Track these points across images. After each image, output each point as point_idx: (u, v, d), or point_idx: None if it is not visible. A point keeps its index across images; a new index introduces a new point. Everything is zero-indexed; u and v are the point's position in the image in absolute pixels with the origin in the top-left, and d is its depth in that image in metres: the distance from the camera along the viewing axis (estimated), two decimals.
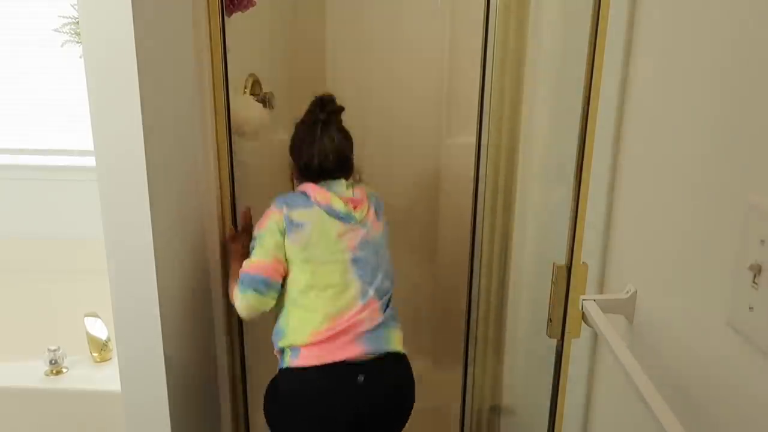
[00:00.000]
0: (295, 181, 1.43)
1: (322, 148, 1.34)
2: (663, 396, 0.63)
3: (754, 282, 0.54)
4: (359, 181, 1.46)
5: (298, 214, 1.30)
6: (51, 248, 2.14)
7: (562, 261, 0.98)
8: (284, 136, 2.11)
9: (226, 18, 1.32)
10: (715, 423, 0.62)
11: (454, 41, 1.99)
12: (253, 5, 1.46)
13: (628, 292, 0.84)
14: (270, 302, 1.29)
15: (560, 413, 1.07)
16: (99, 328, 1.53)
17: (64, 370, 1.45)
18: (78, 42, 1.94)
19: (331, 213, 1.30)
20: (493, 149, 1.37)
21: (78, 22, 1.75)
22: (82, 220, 2.09)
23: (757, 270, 0.54)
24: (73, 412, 1.42)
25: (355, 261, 1.31)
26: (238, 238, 1.43)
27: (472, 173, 1.39)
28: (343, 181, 1.36)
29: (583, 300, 0.85)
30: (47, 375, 1.43)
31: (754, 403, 0.56)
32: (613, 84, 0.89)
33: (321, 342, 1.25)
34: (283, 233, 1.29)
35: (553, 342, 1.03)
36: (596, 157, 0.92)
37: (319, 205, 1.31)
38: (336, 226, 1.30)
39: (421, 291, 2.24)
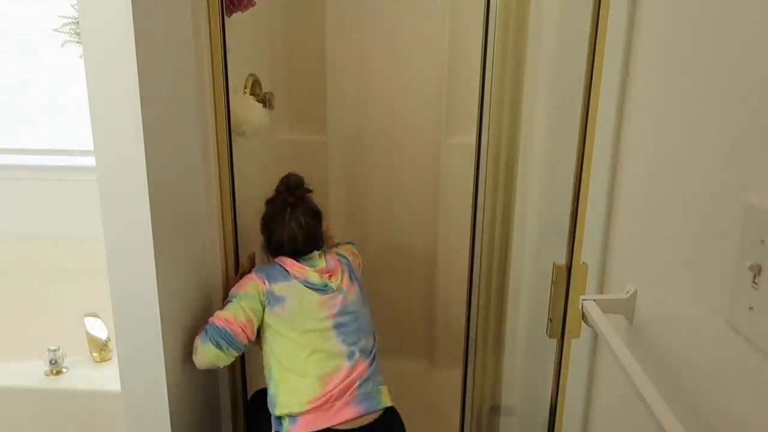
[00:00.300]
0: (268, 255, 1.48)
1: (290, 232, 1.40)
2: (663, 396, 0.63)
3: (754, 282, 0.54)
4: (331, 246, 1.54)
5: (278, 288, 1.36)
6: (51, 248, 2.14)
7: (562, 261, 0.98)
8: (284, 136, 2.12)
9: (226, 18, 1.32)
10: (715, 423, 0.62)
11: (454, 41, 1.99)
12: (253, 5, 1.46)
13: (628, 292, 0.84)
14: (227, 360, 1.30)
15: (560, 413, 1.07)
16: (99, 328, 1.53)
17: (64, 370, 1.45)
18: (78, 42, 1.94)
19: (309, 285, 1.36)
20: (493, 149, 1.37)
21: (78, 22, 1.75)
22: (82, 220, 2.09)
23: (757, 270, 0.54)
24: (73, 412, 1.42)
25: (336, 326, 1.36)
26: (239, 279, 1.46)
27: (471, 173, 1.39)
28: (315, 253, 1.43)
29: (583, 300, 0.85)
30: (47, 375, 1.43)
31: (754, 403, 0.56)
32: (613, 84, 0.89)
33: (317, 408, 1.28)
34: (263, 303, 1.35)
35: (553, 342, 1.03)
36: (596, 157, 0.92)
37: (297, 279, 1.36)
38: (315, 296, 1.37)
39: (420, 291, 2.24)
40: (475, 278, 1.45)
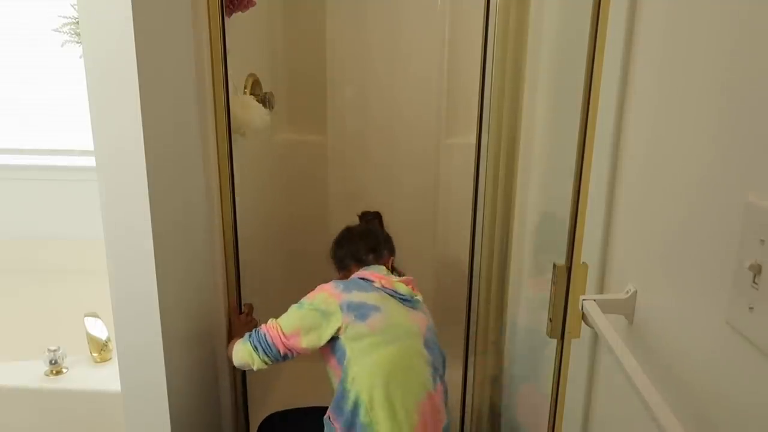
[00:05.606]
0: (340, 272, 1.50)
1: (357, 233, 1.52)
2: (663, 396, 0.63)
3: (754, 282, 0.54)
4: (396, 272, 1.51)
5: (360, 297, 1.29)
6: (51, 248, 2.14)
7: (562, 261, 0.98)
8: (284, 136, 2.12)
9: (226, 18, 1.32)
10: (715, 423, 0.62)
11: (454, 41, 1.99)
12: (253, 5, 1.46)
13: (628, 292, 0.84)
14: (261, 364, 1.31)
15: (560, 413, 1.07)
16: (99, 328, 1.53)
17: (64, 370, 1.45)
18: (78, 42, 1.94)
19: (395, 296, 1.33)
20: (493, 149, 1.37)
21: (78, 22, 1.75)
22: (82, 220, 2.09)
23: (757, 270, 0.54)
24: (73, 412, 1.42)
25: (425, 343, 1.33)
26: (242, 318, 1.49)
27: (471, 173, 1.39)
28: (383, 267, 1.42)
29: (583, 300, 0.85)
30: (47, 375, 1.43)
31: (753, 404, 0.56)
32: (613, 84, 0.89)
33: None
34: (331, 319, 1.26)
35: (553, 342, 1.02)
36: (596, 157, 0.92)
37: (385, 290, 1.33)
38: (403, 309, 1.34)
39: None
40: (475, 278, 1.46)
